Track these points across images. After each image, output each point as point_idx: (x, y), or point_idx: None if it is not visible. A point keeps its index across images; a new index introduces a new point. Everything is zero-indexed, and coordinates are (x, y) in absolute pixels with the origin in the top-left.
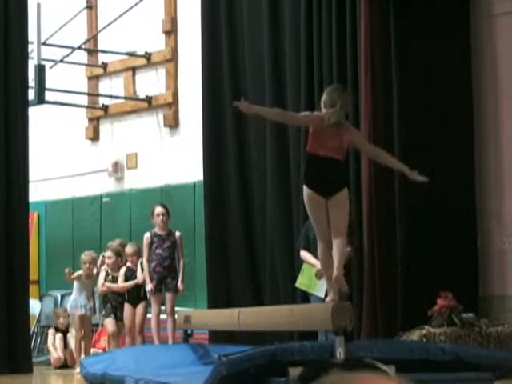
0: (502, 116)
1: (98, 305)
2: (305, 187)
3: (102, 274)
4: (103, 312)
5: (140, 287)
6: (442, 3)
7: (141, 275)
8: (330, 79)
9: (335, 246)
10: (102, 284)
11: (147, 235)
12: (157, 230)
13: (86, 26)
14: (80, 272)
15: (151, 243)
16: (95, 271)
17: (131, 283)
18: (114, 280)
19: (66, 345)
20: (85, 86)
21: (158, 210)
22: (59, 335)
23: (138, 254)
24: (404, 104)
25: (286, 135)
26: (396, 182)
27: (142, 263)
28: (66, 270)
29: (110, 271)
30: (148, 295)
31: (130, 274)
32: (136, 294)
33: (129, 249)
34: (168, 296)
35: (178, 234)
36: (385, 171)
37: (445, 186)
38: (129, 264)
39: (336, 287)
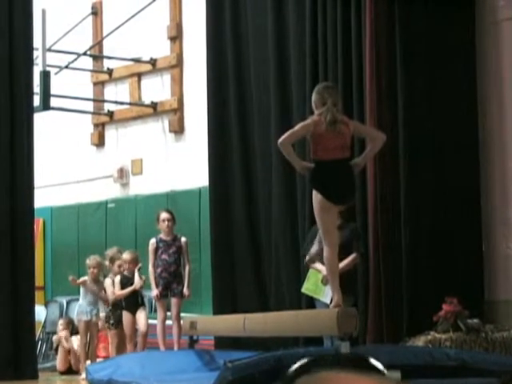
0: (507, 121)
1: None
2: (315, 193)
3: (109, 282)
4: (111, 321)
5: (137, 294)
6: (447, 8)
7: (138, 281)
8: (336, 82)
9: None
10: (112, 292)
11: (153, 241)
12: (162, 235)
13: (91, 32)
14: (85, 278)
15: (156, 249)
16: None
17: (129, 290)
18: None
19: (69, 349)
20: (90, 91)
21: (164, 215)
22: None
23: (135, 261)
24: (409, 107)
25: None
26: (401, 187)
27: (139, 269)
28: (70, 278)
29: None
30: (153, 301)
31: (126, 282)
32: (134, 301)
33: (127, 255)
34: (174, 301)
35: (183, 239)
36: (390, 176)
37: (450, 190)
38: (125, 272)
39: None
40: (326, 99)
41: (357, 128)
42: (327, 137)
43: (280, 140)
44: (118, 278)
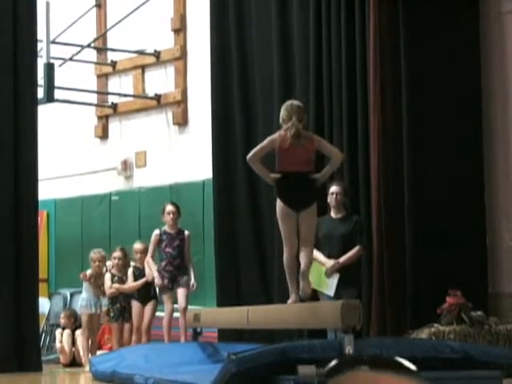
0: (511, 114)
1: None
2: (278, 200)
3: (108, 276)
4: (111, 314)
5: (150, 285)
6: (451, 1)
7: (150, 273)
8: (339, 77)
9: (303, 254)
10: (109, 286)
11: (156, 232)
12: (167, 228)
13: (94, 24)
14: (90, 271)
15: (160, 241)
16: (104, 269)
17: (141, 281)
18: (120, 281)
19: (73, 342)
20: (94, 84)
21: (169, 208)
22: (67, 331)
23: (145, 251)
24: (412, 104)
25: None
26: (405, 180)
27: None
28: (81, 275)
29: (115, 272)
30: (158, 293)
31: (138, 273)
32: (146, 293)
33: (138, 245)
34: (180, 291)
35: (186, 232)
36: (393, 169)
37: (454, 183)
38: (133, 263)
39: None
40: (292, 115)
41: (319, 144)
42: (292, 151)
43: (248, 156)
44: (130, 270)
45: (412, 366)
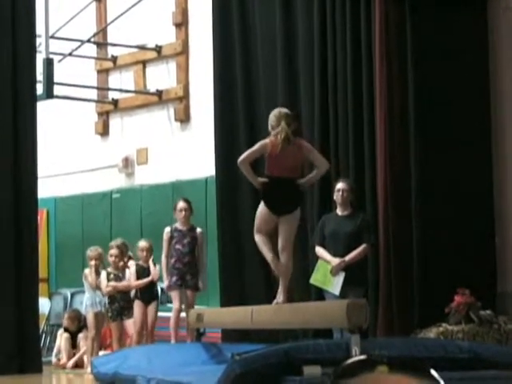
0: None
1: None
2: (261, 203)
3: (104, 275)
4: (109, 313)
5: (153, 285)
6: None
7: (155, 272)
8: (345, 75)
9: (282, 264)
10: (105, 285)
11: (167, 230)
12: (178, 225)
13: (94, 19)
14: (88, 269)
15: (171, 238)
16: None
17: (146, 281)
18: (117, 279)
19: (74, 345)
20: (94, 79)
21: (181, 205)
22: (66, 335)
23: (150, 250)
24: (420, 101)
25: None
26: (412, 179)
27: (153, 260)
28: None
29: (112, 270)
30: (162, 293)
31: (142, 272)
32: (149, 293)
33: (142, 243)
34: (188, 294)
35: (199, 230)
36: (401, 168)
37: (463, 182)
38: (140, 262)
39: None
40: (280, 120)
41: (308, 152)
42: (281, 156)
43: (239, 159)
44: (133, 268)
45: (433, 372)
